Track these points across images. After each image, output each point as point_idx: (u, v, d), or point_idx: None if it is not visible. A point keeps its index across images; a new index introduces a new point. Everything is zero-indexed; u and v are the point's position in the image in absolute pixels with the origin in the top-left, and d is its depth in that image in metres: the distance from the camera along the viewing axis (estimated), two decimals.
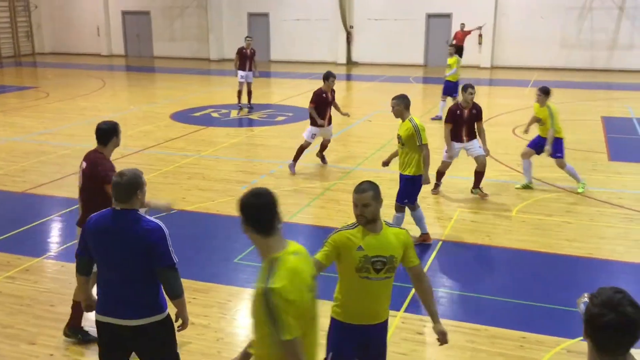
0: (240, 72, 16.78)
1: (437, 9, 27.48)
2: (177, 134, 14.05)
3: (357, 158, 11.86)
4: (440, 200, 9.26)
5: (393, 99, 7.48)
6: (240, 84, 16.90)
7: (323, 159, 11.55)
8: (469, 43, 25.41)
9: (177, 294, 3.85)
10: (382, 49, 28.49)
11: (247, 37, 17.58)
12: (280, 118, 15.85)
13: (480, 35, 26.41)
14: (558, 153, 9.54)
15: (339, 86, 22.95)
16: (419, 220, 7.68)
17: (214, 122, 15.50)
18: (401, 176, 7.62)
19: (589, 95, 19.35)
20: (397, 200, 7.65)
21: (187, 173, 10.59)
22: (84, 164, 5.32)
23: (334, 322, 3.90)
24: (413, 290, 6.44)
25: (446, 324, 5.84)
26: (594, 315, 2.21)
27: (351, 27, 28.81)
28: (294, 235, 8.17)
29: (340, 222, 8.50)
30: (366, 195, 3.73)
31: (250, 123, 15.41)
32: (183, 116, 16.13)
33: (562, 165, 9.63)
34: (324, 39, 29.25)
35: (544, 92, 9.61)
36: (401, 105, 7.37)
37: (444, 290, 6.63)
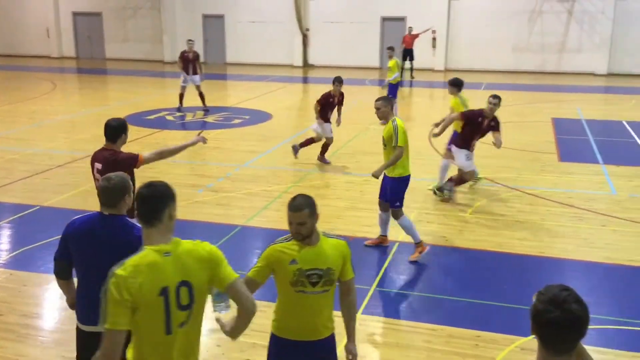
0: (184, 76, 16.62)
1: (391, 13, 27.77)
2: (131, 137, 13.68)
3: (314, 160, 11.85)
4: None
5: (378, 100, 7.24)
6: (182, 87, 16.69)
7: (324, 159, 11.65)
8: (424, 46, 25.77)
9: None
10: (338, 52, 28.63)
11: (188, 40, 17.25)
12: (236, 121, 15.75)
13: (434, 39, 26.79)
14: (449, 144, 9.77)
15: (295, 88, 22.97)
16: (407, 229, 7.32)
17: (169, 125, 15.28)
18: (386, 178, 7.40)
19: (539, 97, 19.83)
20: (391, 206, 7.36)
21: (141, 177, 10.32)
22: (99, 165, 5.46)
23: (272, 338, 3.81)
24: (370, 293, 6.47)
25: (403, 324, 5.90)
26: (540, 312, 2.23)
27: (307, 29, 28.86)
28: (251, 238, 8.11)
29: None
30: (302, 214, 3.58)
31: (206, 126, 15.25)
32: (136, 119, 15.85)
33: (448, 157, 9.77)
34: (280, 41, 29.21)
35: (453, 84, 10.61)
36: (388, 107, 7.18)
37: (401, 291, 6.67)
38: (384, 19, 28.05)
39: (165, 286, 2.90)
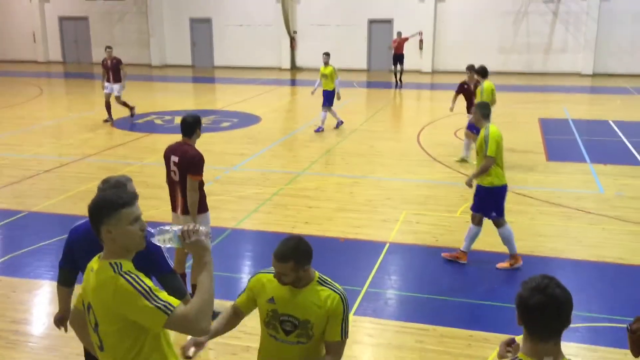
0: (106, 84, 15.73)
1: (378, 15, 27.85)
2: (119, 141, 13.75)
3: (304, 162, 11.87)
4: (386, 203, 9.35)
5: (475, 105, 7.28)
6: (106, 95, 15.70)
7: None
8: (411, 49, 25.84)
9: (184, 294, 3.80)
10: None
11: (107, 47, 16.05)
12: (225, 124, 15.72)
13: (421, 41, 26.89)
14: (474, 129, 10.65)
15: (284, 91, 22.97)
16: (506, 240, 7.09)
17: (157, 129, 15.23)
18: (478, 187, 7.14)
19: (526, 98, 19.96)
20: (486, 216, 7.11)
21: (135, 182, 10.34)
22: (175, 158, 5.78)
23: None
24: (362, 294, 6.48)
25: (395, 325, 5.92)
26: (524, 298, 2.34)
27: (295, 32, 28.88)
28: (241, 241, 8.10)
29: (288, 227, 8.50)
30: (284, 266, 3.15)
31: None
32: (125, 123, 15.79)
33: (467, 135, 11.50)
34: (268, 44, 29.21)
35: (475, 71, 12.07)
36: (479, 113, 7.12)
37: (392, 292, 6.69)
38: (371, 22, 28.12)
39: (87, 302, 2.80)
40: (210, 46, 29.95)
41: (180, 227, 2.69)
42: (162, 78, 26.97)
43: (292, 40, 28.90)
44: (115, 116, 15.97)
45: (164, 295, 2.62)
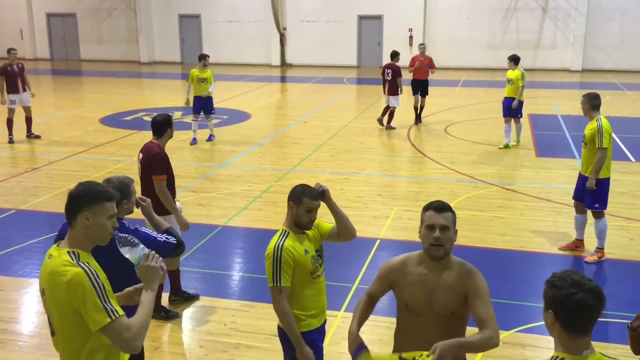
0: (11, 97, 12.98)
1: (368, 11, 27.84)
2: (108, 138, 13.66)
3: (294, 159, 11.84)
4: (376, 199, 9.35)
5: (582, 96, 7.20)
6: (10, 111, 13.02)
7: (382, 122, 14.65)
8: (401, 45, 25.82)
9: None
10: (315, 51, 28.63)
11: (10, 49, 13.01)
12: (215, 121, 15.64)
13: (410, 37, 26.92)
14: (519, 114, 12.55)
15: (274, 88, 22.92)
16: (600, 232, 7.11)
17: (146, 126, 15.13)
18: (583, 178, 7.15)
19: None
20: (586, 206, 7.14)
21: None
22: (141, 155, 5.83)
23: (307, 335, 3.76)
24: (352, 290, 6.48)
25: (387, 321, 5.91)
26: (567, 296, 2.32)
27: (284, 28, 28.81)
28: (232, 238, 8.07)
29: (278, 224, 8.45)
30: (447, 216, 3.20)
31: (185, 126, 15.13)
32: (113, 120, 15.69)
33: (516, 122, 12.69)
34: (258, 40, 29.13)
35: (513, 60, 12.78)
36: (587, 104, 7.12)
37: None
38: (361, 18, 28.10)
39: (42, 287, 2.81)
40: (199, 43, 29.82)
41: (144, 247, 2.87)
42: (151, 75, 26.84)
43: (282, 37, 28.84)
44: (104, 113, 15.83)
45: (115, 301, 2.69)
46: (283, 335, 3.82)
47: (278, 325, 3.88)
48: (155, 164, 5.74)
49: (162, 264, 2.85)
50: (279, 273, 3.61)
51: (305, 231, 3.79)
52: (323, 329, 3.95)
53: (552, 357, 2.40)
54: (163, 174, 5.77)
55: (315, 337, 3.83)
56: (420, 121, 15.09)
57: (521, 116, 12.88)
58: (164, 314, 5.92)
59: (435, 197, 9.48)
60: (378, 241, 7.82)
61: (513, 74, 12.67)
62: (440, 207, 3.16)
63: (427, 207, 3.20)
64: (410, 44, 27.16)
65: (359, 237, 7.93)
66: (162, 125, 5.84)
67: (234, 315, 5.98)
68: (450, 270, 3.21)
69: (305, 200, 3.69)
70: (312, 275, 3.73)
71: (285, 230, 3.74)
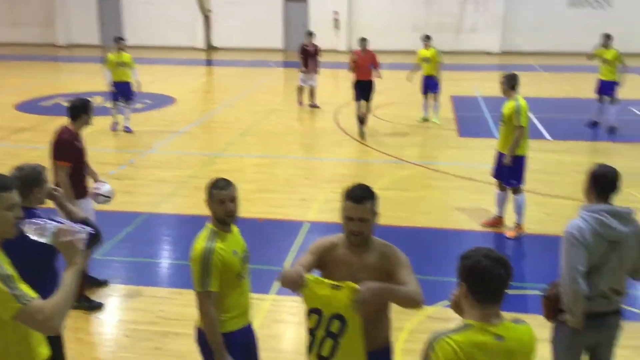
0: None
1: None
2: (24, 125, 13.06)
3: (221, 144, 11.71)
4: (304, 182, 9.39)
5: (502, 77, 7.39)
6: None
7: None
8: (327, 27, 25.87)
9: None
10: (241, 34, 28.27)
11: None
12: (139, 106, 15.22)
13: (336, 19, 27.00)
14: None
15: (199, 71, 22.50)
16: (518, 208, 7.39)
17: (64, 112, 14.51)
18: (500, 154, 7.44)
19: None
20: (505, 183, 7.44)
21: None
22: (52, 137, 5.68)
23: (228, 336, 3.56)
24: None
25: None
26: (474, 265, 2.44)
27: (209, 11, 28.25)
28: (159, 225, 7.92)
29: (206, 210, 8.35)
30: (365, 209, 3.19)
31: (106, 112, 14.66)
32: (30, 106, 15.01)
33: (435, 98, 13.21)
34: (182, 23, 28.45)
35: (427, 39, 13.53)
36: (506, 85, 7.30)
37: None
38: (286, 0, 27.93)
39: None
40: (119, 25, 28.83)
41: (55, 224, 2.68)
42: (69, 58, 25.81)
43: (207, 19, 28.28)
44: (21, 98, 15.14)
45: (24, 287, 2.58)
46: (202, 338, 3.60)
47: (197, 328, 3.66)
48: (59, 149, 5.58)
49: (80, 235, 2.69)
50: (209, 277, 3.41)
51: (233, 231, 3.63)
52: (245, 331, 3.72)
53: (463, 323, 2.48)
54: (65, 160, 5.58)
55: (233, 341, 3.57)
56: (363, 133, 12.09)
57: (439, 92, 13.38)
58: (87, 304, 5.76)
59: (363, 178, 9.63)
60: (308, 224, 7.86)
61: (429, 52, 13.35)
62: (358, 198, 3.11)
63: (346, 196, 3.14)
64: (336, 27, 27.27)
65: (288, 220, 8.01)
66: (77, 109, 5.70)
67: (161, 303, 5.89)
68: (371, 252, 3.27)
69: (214, 192, 3.54)
70: (238, 277, 3.57)
71: (213, 230, 3.54)
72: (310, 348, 3.13)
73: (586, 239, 3.58)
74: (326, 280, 3.08)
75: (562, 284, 3.66)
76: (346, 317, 3.00)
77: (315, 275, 3.16)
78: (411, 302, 3.10)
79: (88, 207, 5.81)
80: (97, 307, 5.79)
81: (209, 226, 3.57)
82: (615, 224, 3.59)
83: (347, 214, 3.12)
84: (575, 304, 3.59)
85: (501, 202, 7.69)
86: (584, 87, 17.09)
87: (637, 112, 14.60)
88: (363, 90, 12.14)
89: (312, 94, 15.08)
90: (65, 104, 6.11)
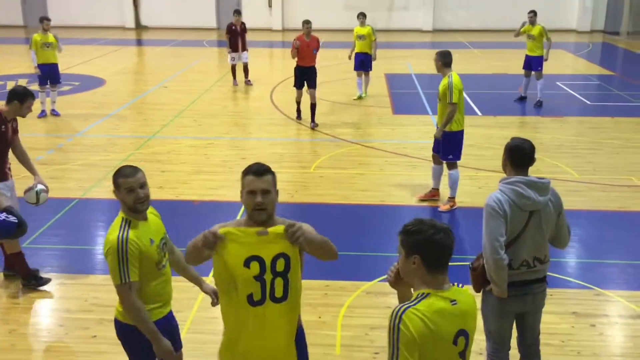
0: None
1: None
2: None
3: (154, 126, 11.45)
4: (241, 163, 9.28)
5: (435, 54, 7.45)
6: None
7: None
8: (260, 5, 25.54)
9: None
10: (171, 12, 27.59)
11: None
12: (65, 88, 14.67)
13: None
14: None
15: (129, 51, 21.85)
16: (452, 183, 7.64)
17: None
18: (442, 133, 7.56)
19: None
20: (441, 158, 7.62)
21: None
22: None
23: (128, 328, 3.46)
24: None
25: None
26: (430, 237, 2.52)
27: None
28: (90, 211, 7.70)
29: None
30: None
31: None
32: None
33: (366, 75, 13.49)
34: (109, 1, 27.48)
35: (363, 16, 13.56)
36: (440, 62, 7.34)
37: None
38: None
39: None
40: (43, 4, 27.58)
41: None
42: (5, 40, 24.55)
43: None
44: None
45: None
46: (126, 333, 3.48)
47: (118, 323, 3.51)
48: None
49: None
50: (127, 268, 3.27)
51: (148, 218, 3.49)
52: (169, 318, 3.63)
53: (418, 293, 2.55)
54: None
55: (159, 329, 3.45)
56: (313, 124, 11.25)
57: (371, 69, 13.59)
58: (34, 282, 5.69)
59: (299, 157, 9.65)
60: None
61: (364, 29, 13.47)
62: (259, 171, 3.06)
63: (246, 172, 3.08)
64: (270, 5, 26.99)
65: (225, 201, 7.93)
66: (12, 94, 5.62)
67: (95, 291, 5.75)
68: None
69: (121, 181, 3.37)
70: (158, 266, 3.45)
71: (125, 219, 3.39)
72: (262, 296, 3.01)
73: (505, 210, 3.68)
74: (249, 229, 3.01)
75: (484, 255, 3.77)
76: (289, 253, 3.00)
77: (230, 228, 3.04)
78: (330, 249, 3.15)
79: (8, 188, 5.61)
80: (45, 283, 5.77)
81: (121, 215, 3.42)
82: (532, 194, 3.69)
83: (249, 188, 3.03)
84: (497, 273, 3.70)
85: (437, 176, 7.89)
86: (513, 64, 17.59)
87: (563, 86, 15.15)
88: (305, 76, 11.42)
89: (245, 70, 15.02)
90: None
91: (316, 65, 11.62)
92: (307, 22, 11.40)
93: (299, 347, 3.23)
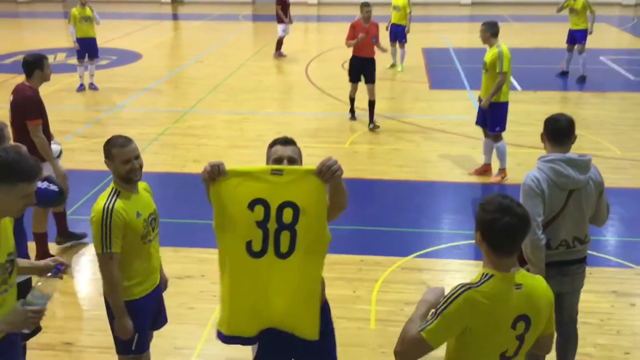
0: None
1: None
2: None
3: (190, 100, 11.51)
4: (275, 137, 9.29)
5: (482, 24, 7.39)
6: None
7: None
8: None
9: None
10: None
11: None
12: (103, 62, 14.83)
13: None
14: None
15: (165, 26, 21.96)
16: (501, 154, 7.58)
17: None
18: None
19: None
20: (489, 130, 7.53)
21: None
22: (11, 97, 5.55)
23: (133, 303, 3.43)
24: None
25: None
26: (491, 221, 2.45)
27: None
28: None
29: (177, 166, 8.29)
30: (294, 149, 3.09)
31: (70, 69, 14.26)
32: None
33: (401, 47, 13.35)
34: None
35: None
36: (488, 32, 7.30)
37: None
38: None
39: None
40: None
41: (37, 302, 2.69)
42: (30, 14, 24.92)
43: None
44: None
45: None
46: (109, 307, 3.46)
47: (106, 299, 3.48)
48: (28, 108, 5.43)
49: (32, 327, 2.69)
50: (109, 238, 3.23)
51: (140, 191, 3.45)
52: (153, 295, 3.55)
53: (482, 273, 2.52)
54: (38, 118, 5.46)
55: (139, 307, 3.43)
56: (372, 124, 9.65)
57: (406, 41, 13.38)
58: (74, 235, 6.12)
59: (334, 132, 9.60)
60: None
61: (400, 1, 13.37)
62: (285, 140, 3.05)
63: (272, 144, 3.07)
64: None
65: None
66: (31, 65, 5.52)
67: None
68: None
69: (115, 152, 3.34)
70: (143, 240, 3.38)
71: (115, 189, 3.34)
72: (262, 247, 2.79)
73: (542, 189, 3.57)
74: (265, 166, 2.80)
75: None
76: (298, 203, 2.74)
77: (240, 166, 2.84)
78: (346, 198, 2.92)
79: (50, 170, 5.70)
80: (82, 236, 6.15)
81: (112, 185, 3.38)
82: (572, 172, 3.57)
83: (275, 155, 2.98)
84: (534, 254, 3.60)
85: (488, 150, 7.80)
86: (554, 38, 17.13)
87: (606, 61, 14.71)
88: (364, 69, 9.69)
89: (277, 43, 15.29)
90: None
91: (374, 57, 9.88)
92: (366, 5, 9.68)
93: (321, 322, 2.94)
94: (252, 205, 2.75)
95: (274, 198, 2.74)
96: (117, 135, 3.46)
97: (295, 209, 2.75)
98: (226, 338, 2.94)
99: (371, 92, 9.67)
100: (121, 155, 3.32)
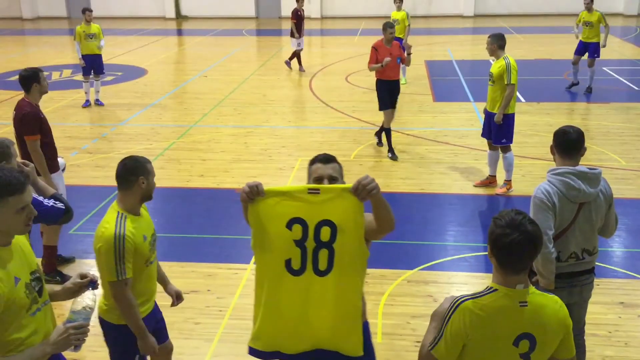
0: None
1: None
2: None
3: (195, 115, 11.57)
4: (281, 151, 9.34)
5: (489, 36, 7.45)
6: None
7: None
8: None
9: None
10: (212, 2, 27.79)
11: None
12: (108, 78, 14.94)
13: None
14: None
15: (169, 41, 22.12)
16: (508, 165, 7.57)
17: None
18: (489, 114, 7.52)
19: (412, 41, 20.32)
20: (494, 142, 7.54)
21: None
22: (14, 113, 5.61)
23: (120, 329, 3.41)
24: None
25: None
26: (500, 236, 2.41)
27: None
28: None
29: (182, 181, 8.32)
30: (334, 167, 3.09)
31: (76, 85, 14.36)
32: None
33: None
34: None
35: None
36: (495, 44, 7.34)
37: None
38: None
39: None
40: None
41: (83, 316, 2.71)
42: (35, 32, 25.15)
43: None
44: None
45: None
46: (110, 329, 3.45)
47: (102, 321, 3.48)
48: (26, 124, 5.46)
49: (76, 343, 2.64)
50: (123, 264, 3.20)
51: (141, 213, 3.44)
52: (154, 313, 3.60)
53: (487, 286, 2.50)
54: (35, 133, 5.49)
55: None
56: (393, 154, 8.97)
57: (410, 54, 13.35)
58: (59, 278, 5.71)
59: (339, 145, 9.62)
60: None
61: (399, 14, 13.34)
62: (327, 158, 3.03)
63: (313, 161, 3.06)
64: None
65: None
66: (27, 80, 5.55)
67: None
68: None
69: (149, 167, 3.43)
70: (146, 263, 3.39)
71: (121, 214, 3.30)
72: (301, 266, 2.82)
73: (553, 202, 3.57)
74: (302, 185, 2.84)
75: None
76: (336, 221, 2.78)
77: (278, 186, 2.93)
78: (392, 215, 2.95)
79: (60, 182, 5.73)
80: (67, 279, 5.78)
81: (117, 209, 3.34)
82: (582, 185, 3.57)
83: (315, 174, 2.99)
84: (545, 267, 3.60)
85: (493, 162, 7.81)
86: (556, 49, 17.18)
87: (610, 72, 14.72)
88: (392, 93, 9.00)
89: (295, 56, 15.34)
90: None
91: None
92: (390, 27, 8.76)
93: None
94: (290, 224, 2.80)
95: (311, 217, 2.80)
96: (130, 156, 3.52)
97: (333, 227, 2.79)
98: (263, 354, 2.95)
99: (392, 118, 9.01)
100: (153, 175, 3.44)
